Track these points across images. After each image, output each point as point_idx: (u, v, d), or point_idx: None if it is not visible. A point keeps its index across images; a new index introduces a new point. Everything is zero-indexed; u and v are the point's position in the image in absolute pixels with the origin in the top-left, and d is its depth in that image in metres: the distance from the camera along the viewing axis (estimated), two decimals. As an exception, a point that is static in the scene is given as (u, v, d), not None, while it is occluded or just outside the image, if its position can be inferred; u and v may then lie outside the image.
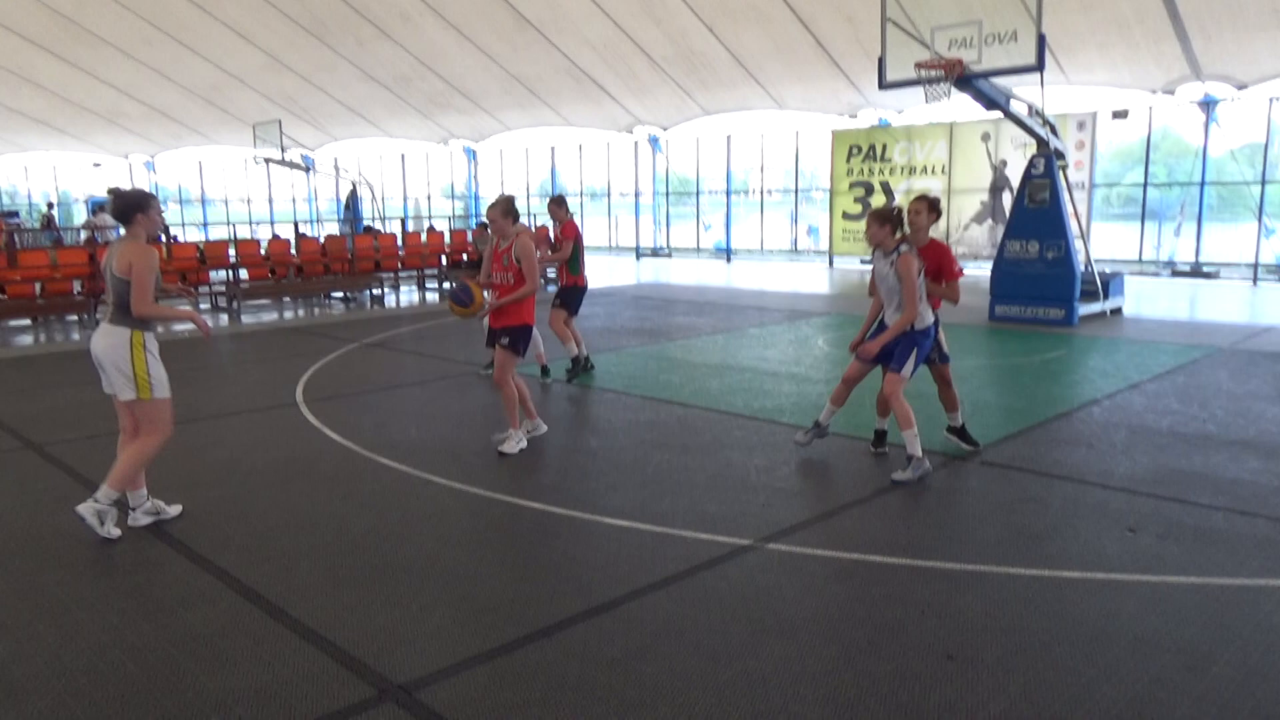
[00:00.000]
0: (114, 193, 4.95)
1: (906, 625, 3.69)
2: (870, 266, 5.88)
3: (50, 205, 30.89)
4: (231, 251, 16.00)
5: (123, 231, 4.74)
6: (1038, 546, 4.49)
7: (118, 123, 31.43)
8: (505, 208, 6.31)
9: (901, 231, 5.71)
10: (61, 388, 8.93)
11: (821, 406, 7.55)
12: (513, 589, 4.09)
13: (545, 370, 8.84)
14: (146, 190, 5.33)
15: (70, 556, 4.54)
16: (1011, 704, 3.10)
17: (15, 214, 32.31)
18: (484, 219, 14.42)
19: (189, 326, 5.43)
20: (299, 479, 5.74)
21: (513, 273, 6.23)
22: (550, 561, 4.44)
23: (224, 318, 14.33)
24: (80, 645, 3.61)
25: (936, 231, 7.20)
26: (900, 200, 20.43)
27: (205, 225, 35.44)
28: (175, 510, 5.07)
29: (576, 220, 9.58)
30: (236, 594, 4.08)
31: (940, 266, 5.80)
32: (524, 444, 6.33)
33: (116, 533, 4.74)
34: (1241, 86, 17.20)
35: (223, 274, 15.70)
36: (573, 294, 8.99)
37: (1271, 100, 17.26)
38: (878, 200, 20.83)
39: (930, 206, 5.85)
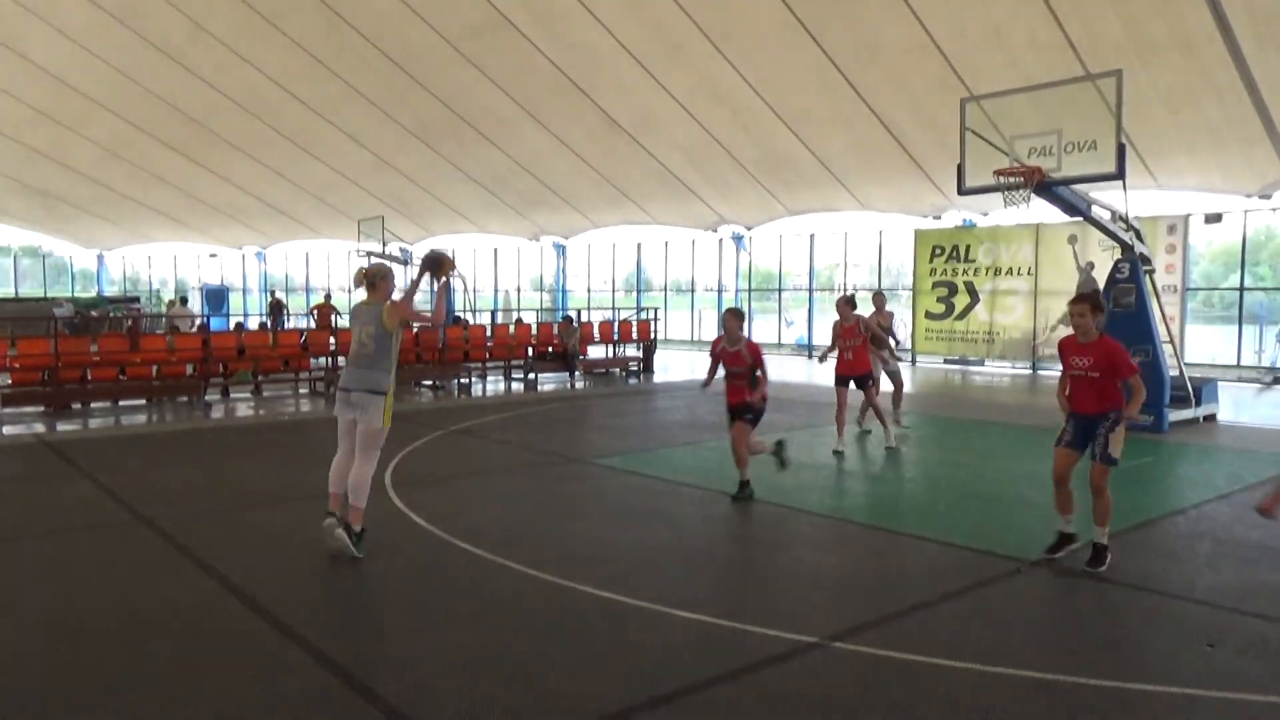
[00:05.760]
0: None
1: (968, 730, 3.71)
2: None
3: (274, 292, 31.87)
4: (332, 340, 16.88)
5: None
6: (1110, 657, 4.44)
7: (236, 218, 33.70)
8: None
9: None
10: (175, 466, 9.54)
11: (898, 506, 7.60)
12: (579, 675, 4.24)
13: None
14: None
15: (173, 626, 4.89)
16: (1071, 815, 3.09)
17: (137, 299, 34.64)
18: (569, 313, 14.89)
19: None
20: (382, 560, 6.03)
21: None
22: (617, 650, 4.57)
23: (321, 403, 15.05)
24: (179, 713, 3.90)
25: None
26: (984, 300, 20.32)
27: (308, 315, 37.28)
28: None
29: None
30: (322, 667, 4.33)
31: (1114, 363, 5.76)
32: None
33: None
34: (1342, 191, 16.80)
35: (323, 361, 16.53)
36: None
37: (1375, 205, 16.79)
38: (961, 300, 20.77)
39: (1093, 307, 5.91)
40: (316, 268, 38.34)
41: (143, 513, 7.29)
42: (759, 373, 7.37)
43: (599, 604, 5.20)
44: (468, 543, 6.38)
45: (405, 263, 29.12)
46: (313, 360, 16.44)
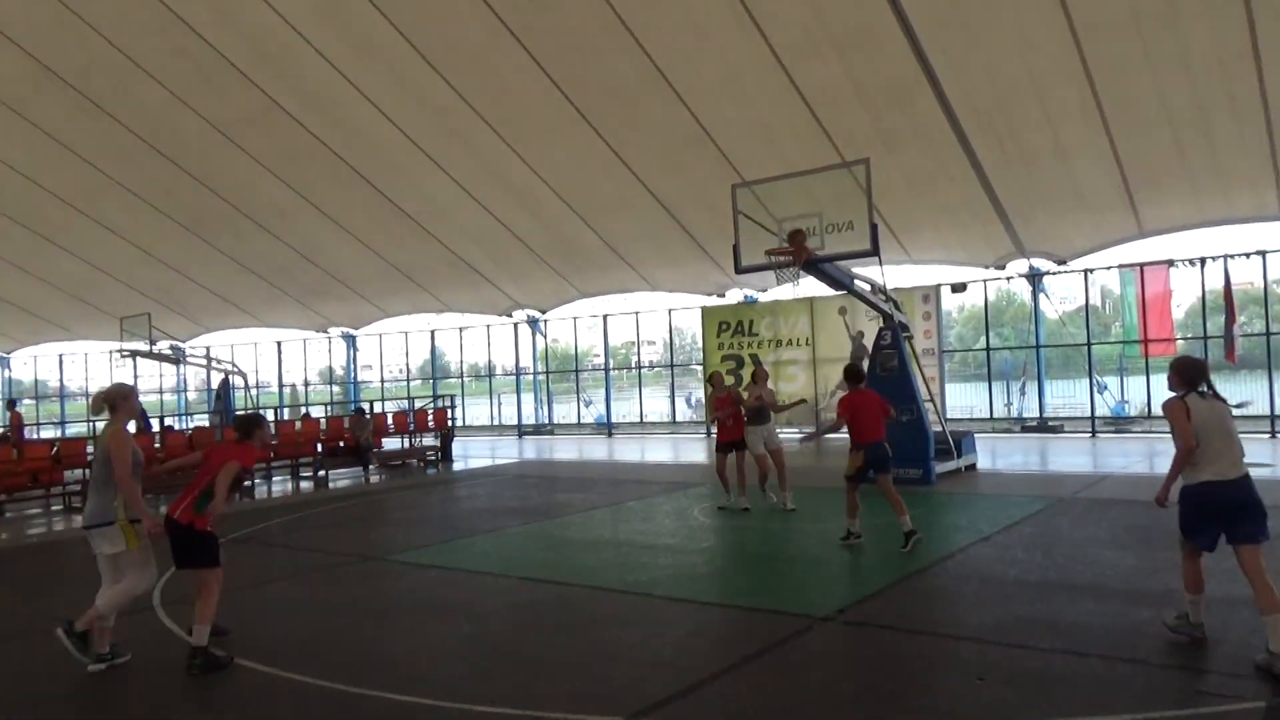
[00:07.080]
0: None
1: (769, 791, 3.76)
2: None
3: (13, 403, 27.56)
4: (90, 448, 15.31)
5: None
6: (893, 702, 4.67)
7: (-29, 320, 30.33)
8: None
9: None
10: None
11: (696, 576, 7.73)
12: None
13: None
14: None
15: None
16: None
17: None
18: (360, 405, 14.29)
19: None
20: (148, 690, 5.44)
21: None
22: (416, 756, 4.32)
23: (77, 519, 13.55)
24: None
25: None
26: (769, 371, 21.40)
27: (63, 424, 33.74)
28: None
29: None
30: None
31: None
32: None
33: None
34: (1061, 261, 19.21)
35: (79, 473, 14.94)
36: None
37: (1086, 273, 19.30)
38: (749, 372, 21.76)
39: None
40: (73, 371, 35.03)
41: None
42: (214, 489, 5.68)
43: (393, 709, 4.90)
44: (248, 659, 5.86)
45: (178, 361, 27.12)
46: (67, 473, 14.85)
